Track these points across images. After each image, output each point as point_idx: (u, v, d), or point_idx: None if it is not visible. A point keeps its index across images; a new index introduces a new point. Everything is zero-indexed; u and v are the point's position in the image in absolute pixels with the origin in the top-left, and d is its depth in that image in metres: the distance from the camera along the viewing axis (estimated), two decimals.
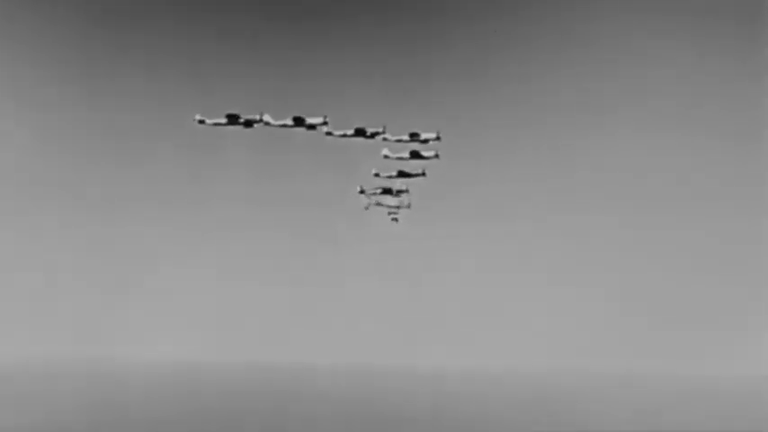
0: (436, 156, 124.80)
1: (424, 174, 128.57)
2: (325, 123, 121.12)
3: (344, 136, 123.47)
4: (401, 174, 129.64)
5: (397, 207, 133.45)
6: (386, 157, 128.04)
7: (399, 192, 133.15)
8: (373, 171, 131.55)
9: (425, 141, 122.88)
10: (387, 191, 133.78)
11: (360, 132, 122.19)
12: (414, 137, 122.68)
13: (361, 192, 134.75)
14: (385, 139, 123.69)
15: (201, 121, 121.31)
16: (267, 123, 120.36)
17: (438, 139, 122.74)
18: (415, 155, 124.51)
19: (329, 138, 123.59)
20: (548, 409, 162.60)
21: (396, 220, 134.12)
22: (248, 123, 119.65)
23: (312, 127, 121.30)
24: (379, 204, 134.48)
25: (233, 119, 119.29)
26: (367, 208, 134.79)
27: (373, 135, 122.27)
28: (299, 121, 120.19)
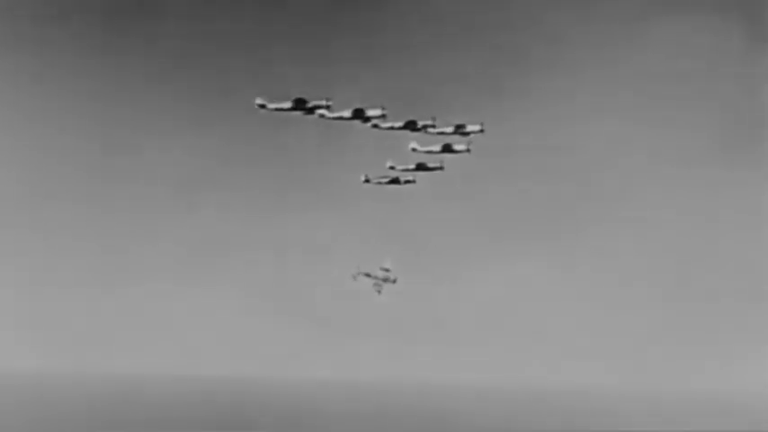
0: (468, 150, 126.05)
1: (442, 168, 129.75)
2: (383, 116, 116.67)
3: (392, 129, 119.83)
4: (419, 167, 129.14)
5: (384, 280, 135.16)
6: (414, 150, 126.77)
7: (407, 182, 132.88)
8: (388, 164, 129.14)
9: (468, 134, 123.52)
10: (394, 180, 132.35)
11: (410, 125, 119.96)
12: (459, 128, 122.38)
13: (366, 181, 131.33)
14: (427, 132, 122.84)
15: (263, 106, 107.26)
16: (323, 116, 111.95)
17: (482, 131, 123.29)
18: (447, 149, 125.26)
19: (375, 130, 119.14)
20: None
21: (379, 291, 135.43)
22: (311, 110, 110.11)
23: (368, 119, 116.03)
24: (367, 275, 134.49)
25: (300, 104, 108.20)
26: (355, 278, 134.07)
27: (424, 127, 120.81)
28: (358, 113, 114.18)
